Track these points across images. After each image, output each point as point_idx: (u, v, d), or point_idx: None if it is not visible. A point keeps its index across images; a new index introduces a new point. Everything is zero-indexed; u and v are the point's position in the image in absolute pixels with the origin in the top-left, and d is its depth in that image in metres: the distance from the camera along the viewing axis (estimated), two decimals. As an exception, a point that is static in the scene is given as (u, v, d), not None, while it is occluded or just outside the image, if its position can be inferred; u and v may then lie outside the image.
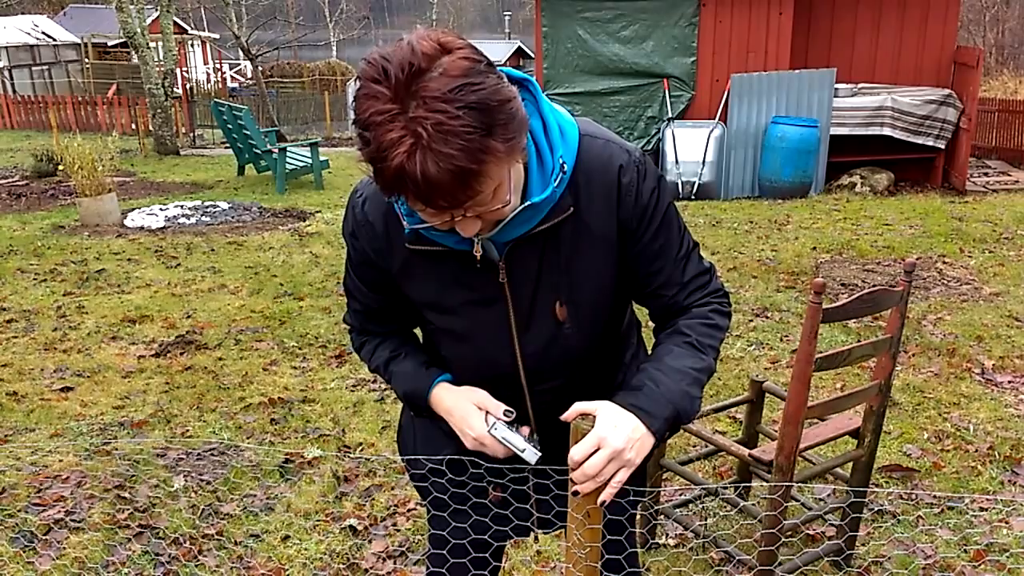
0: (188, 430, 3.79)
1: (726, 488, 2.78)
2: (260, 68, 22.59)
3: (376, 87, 1.08)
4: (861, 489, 2.51)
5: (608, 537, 1.51)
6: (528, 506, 1.59)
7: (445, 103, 1.06)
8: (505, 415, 1.41)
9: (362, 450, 3.59)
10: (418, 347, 1.57)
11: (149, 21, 16.43)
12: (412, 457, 1.63)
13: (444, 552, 1.63)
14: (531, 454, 1.39)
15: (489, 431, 1.41)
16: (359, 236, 1.42)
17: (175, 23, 17.59)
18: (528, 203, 1.25)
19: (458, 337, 1.44)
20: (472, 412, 1.42)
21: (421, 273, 1.39)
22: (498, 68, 1.18)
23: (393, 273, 1.42)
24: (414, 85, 1.07)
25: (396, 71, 1.07)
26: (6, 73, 24.84)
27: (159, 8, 15.52)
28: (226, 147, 14.87)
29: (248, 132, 10.79)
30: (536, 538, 1.75)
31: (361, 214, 1.40)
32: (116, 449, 3.57)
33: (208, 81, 30.51)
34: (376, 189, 1.18)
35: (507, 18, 42.64)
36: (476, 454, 1.54)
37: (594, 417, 1.27)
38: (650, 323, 1.51)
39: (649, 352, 1.46)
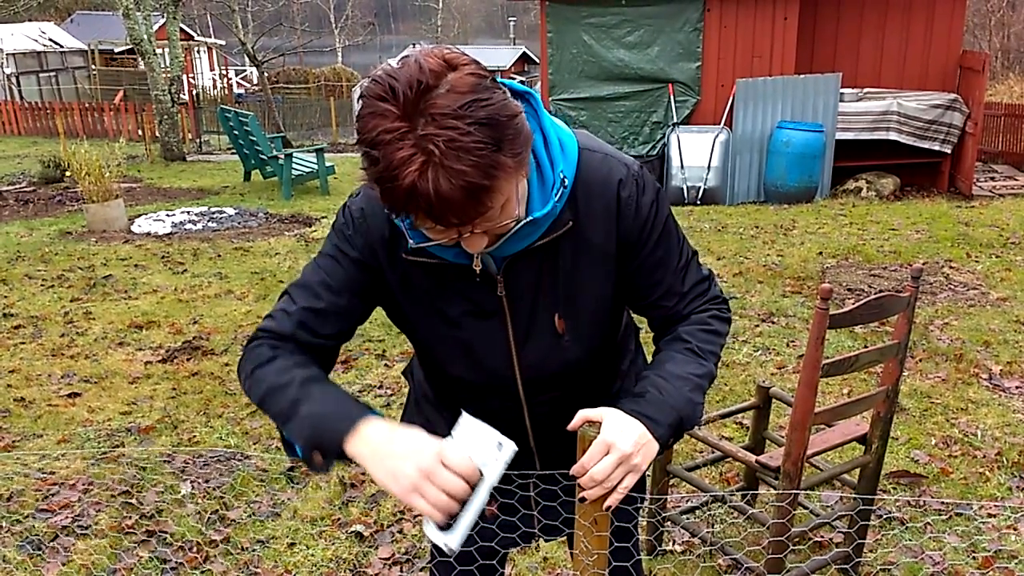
0: (195, 436, 3.80)
1: (733, 494, 2.77)
2: (266, 74, 22.70)
3: (383, 105, 1.07)
4: (869, 496, 2.50)
5: (615, 544, 1.51)
6: (535, 512, 1.59)
7: (455, 119, 1.05)
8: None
9: (368, 456, 3.58)
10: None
11: (156, 28, 16.46)
12: None
13: (450, 559, 1.63)
14: (508, 447, 1.22)
15: (453, 433, 1.21)
16: (351, 234, 1.36)
17: (181, 29, 17.65)
18: (529, 218, 1.25)
19: (456, 348, 1.42)
20: (423, 434, 1.22)
21: (419, 284, 1.38)
22: (500, 81, 1.18)
23: (390, 284, 1.40)
24: (423, 102, 1.06)
25: (404, 89, 1.06)
26: (13, 80, 24.99)
27: (166, 15, 15.59)
28: (232, 153, 14.94)
29: (254, 138, 10.82)
30: (537, 546, 1.74)
31: (358, 212, 1.36)
32: (123, 455, 3.58)
33: (214, 87, 30.65)
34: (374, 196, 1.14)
35: (512, 24, 42.70)
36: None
37: (600, 424, 1.27)
38: (648, 329, 1.51)
39: (649, 359, 1.46)
